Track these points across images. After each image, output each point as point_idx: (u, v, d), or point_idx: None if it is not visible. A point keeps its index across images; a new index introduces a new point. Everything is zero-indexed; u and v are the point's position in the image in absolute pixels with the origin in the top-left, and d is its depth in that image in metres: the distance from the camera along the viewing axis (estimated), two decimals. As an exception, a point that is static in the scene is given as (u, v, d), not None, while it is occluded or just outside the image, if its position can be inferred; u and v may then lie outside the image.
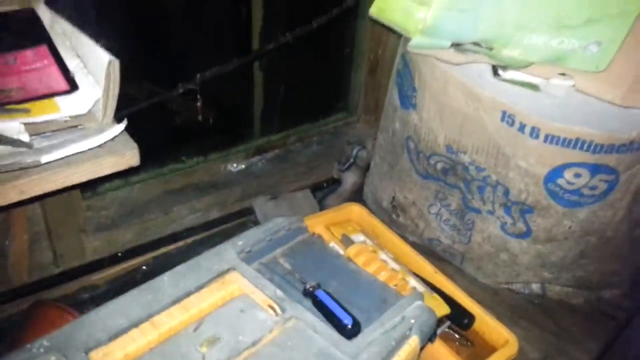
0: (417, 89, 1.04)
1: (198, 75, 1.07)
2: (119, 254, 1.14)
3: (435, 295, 1.09)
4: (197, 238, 1.27)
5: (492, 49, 0.82)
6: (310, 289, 0.77)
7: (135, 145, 0.70)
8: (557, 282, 1.19)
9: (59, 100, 0.69)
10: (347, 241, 1.23)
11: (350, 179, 1.52)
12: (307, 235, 0.94)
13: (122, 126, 0.68)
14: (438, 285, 1.14)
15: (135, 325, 0.65)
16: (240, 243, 0.84)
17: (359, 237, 1.28)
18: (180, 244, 1.25)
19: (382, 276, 1.09)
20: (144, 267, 1.18)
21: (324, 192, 1.55)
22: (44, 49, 0.74)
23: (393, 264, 1.16)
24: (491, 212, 1.07)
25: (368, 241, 1.26)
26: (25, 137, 0.64)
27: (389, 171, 1.30)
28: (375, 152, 1.38)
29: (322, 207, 1.48)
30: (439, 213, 1.19)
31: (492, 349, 1.04)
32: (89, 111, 0.70)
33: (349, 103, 1.67)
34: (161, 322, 0.66)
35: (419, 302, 0.79)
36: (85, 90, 0.70)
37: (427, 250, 1.29)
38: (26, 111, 0.67)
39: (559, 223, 1.01)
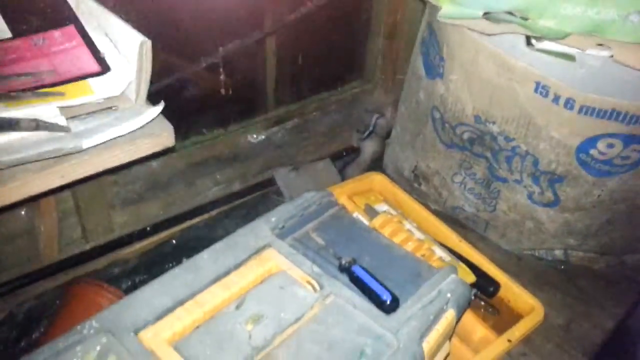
0: (445, 59, 1.02)
1: (220, 49, 1.05)
2: (148, 228, 1.15)
3: (461, 263, 1.11)
4: (221, 210, 1.28)
5: (526, 19, 0.80)
6: (347, 264, 0.78)
7: (170, 125, 0.70)
8: (581, 248, 1.19)
9: (91, 82, 0.69)
10: (370, 211, 1.24)
11: (369, 148, 1.51)
12: (337, 209, 0.94)
13: (159, 108, 0.67)
14: (463, 253, 1.15)
15: (180, 304, 0.67)
16: (273, 219, 0.85)
17: (382, 207, 1.29)
18: (206, 216, 1.26)
19: (409, 247, 1.10)
20: (172, 241, 1.19)
21: (343, 161, 1.55)
22: (71, 29, 0.73)
23: (418, 234, 1.17)
24: (518, 182, 1.07)
25: (391, 211, 1.27)
26: (62, 121, 0.63)
27: (411, 140, 1.29)
28: (396, 121, 1.36)
29: (342, 176, 1.48)
30: (464, 182, 1.19)
31: (518, 316, 1.05)
32: (122, 93, 0.69)
33: (366, 70, 1.64)
34: (204, 300, 0.68)
35: (453, 276, 0.80)
36: (118, 71, 0.69)
37: (450, 218, 1.30)
38: (60, 94, 0.66)
39: (589, 192, 1.01)
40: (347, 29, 1.54)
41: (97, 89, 0.68)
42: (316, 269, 0.76)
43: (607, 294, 1.21)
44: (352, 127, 1.56)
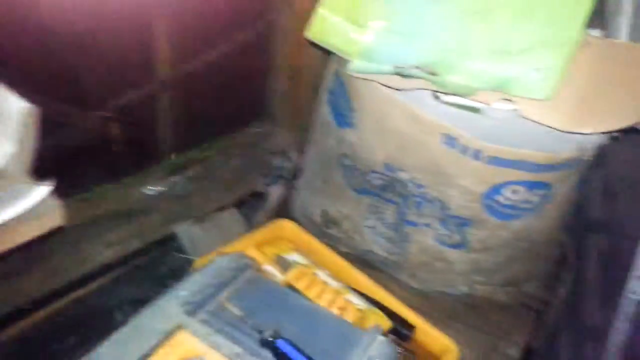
0: (354, 110, 1.01)
1: (111, 98, 0.95)
2: (28, 305, 1.00)
3: (376, 310, 1.10)
4: (117, 275, 1.15)
5: (435, 75, 0.82)
6: (269, 338, 0.71)
7: (58, 203, 0.60)
8: (487, 283, 1.24)
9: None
10: (282, 262, 1.19)
11: (276, 192, 1.46)
12: (251, 272, 0.88)
13: (46, 188, 0.57)
14: (377, 298, 1.14)
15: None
16: (182, 293, 0.76)
17: (293, 256, 1.24)
18: (96, 284, 1.12)
19: (325, 299, 1.07)
20: (59, 318, 1.04)
21: (249, 207, 1.48)
22: None
23: (332, 283, 1.14)
24: (428, 225, 1.09)
25: (303, 260, 1.23)
26: None
27: (321, 185, 1.27)
28: (304, 166, 1.34)
29: (249, 224, 1.41)
30: (374, 226, 1.19)
31: (434, 358, 1.06)
32: (1, 169, 0.58)
33: (268, 112, 1.61)
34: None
35: (380, 338, 0.77)
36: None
37: (361, 260, 1.29)
38: None
39: (494, 234, 1.05)
40: (246, 70, 1.50)
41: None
42: (236, 349, 0.69)
43: (510, 323, 1.27)
44: (256, 171, 1.50)
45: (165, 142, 1.34)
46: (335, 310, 1.05)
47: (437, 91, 0.86)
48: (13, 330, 0.99)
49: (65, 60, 0.96)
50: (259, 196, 1.51)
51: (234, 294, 0.81)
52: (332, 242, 1.34)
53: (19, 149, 0.56)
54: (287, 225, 1.28)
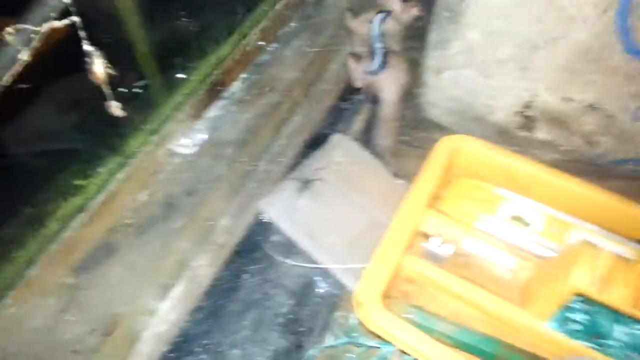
0: None
1: None
2: None
3: None
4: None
5: None
6: None
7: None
8: None
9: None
10: (491, 224, 0.64)
11: (391, 80, 0.82)
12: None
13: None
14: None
15: None
16: None
17: (509, 209, 0.68)
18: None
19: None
20: None
21: (349, 117, 0.86)
22: None
23: (617, 247, 0.61)
24: None
25: (527, 208, 0.67)
26: None
27: (517, 58, 0.64)
28: (458, 24, 0.68)
29: (371, 149, 0.80)
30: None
31: None
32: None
33: None
34: None
35: None
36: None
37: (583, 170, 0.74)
38: None
39: None
40: None
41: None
42: None
43: None
44: (339, 56, 0.85)
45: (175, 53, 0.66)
46: None
47: None
48: None
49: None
50: (359, 99, 0.87)
51: None
52: (527, 151, 0.76)
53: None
54: (462, 147, 0.70)
